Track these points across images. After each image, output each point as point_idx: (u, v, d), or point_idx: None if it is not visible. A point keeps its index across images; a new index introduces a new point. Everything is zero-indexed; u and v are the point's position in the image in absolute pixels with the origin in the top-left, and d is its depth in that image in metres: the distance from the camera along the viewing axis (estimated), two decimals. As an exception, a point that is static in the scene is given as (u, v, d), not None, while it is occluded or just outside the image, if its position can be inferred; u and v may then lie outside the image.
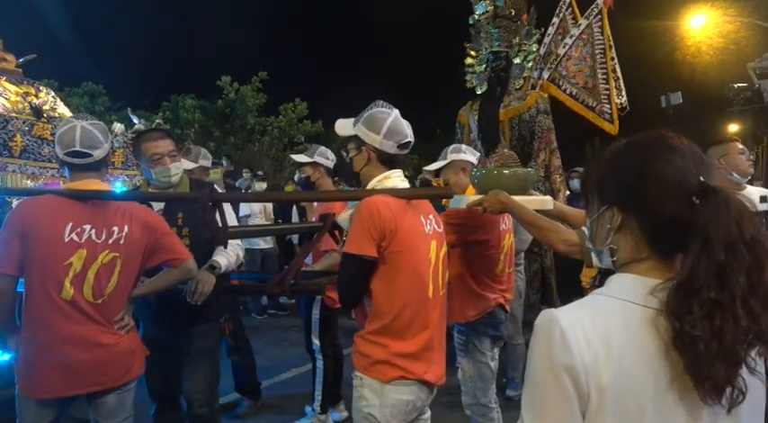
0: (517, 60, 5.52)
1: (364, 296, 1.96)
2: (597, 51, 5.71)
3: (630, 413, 0.86)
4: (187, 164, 3.51)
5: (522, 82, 5.63)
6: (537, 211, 2.27)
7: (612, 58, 5.67)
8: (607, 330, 0.87)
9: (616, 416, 0.85)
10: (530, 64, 5.68)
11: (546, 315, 0.91)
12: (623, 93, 5.68)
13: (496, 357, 2.95)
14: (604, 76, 5.63)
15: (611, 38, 5.67)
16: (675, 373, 0.85)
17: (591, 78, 5.68)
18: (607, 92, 5.57)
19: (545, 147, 5.34)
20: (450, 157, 3.03)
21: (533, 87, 5.78)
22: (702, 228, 0.85)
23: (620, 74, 5.72)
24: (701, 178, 0.90)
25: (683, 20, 14.69)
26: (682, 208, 0.88)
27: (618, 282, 0.95)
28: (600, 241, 1.00)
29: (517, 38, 5.52)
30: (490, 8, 5.36)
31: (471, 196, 2.40)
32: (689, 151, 0.93)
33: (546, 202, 2.42)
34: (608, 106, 5.55)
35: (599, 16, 5.76)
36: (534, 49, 5.63)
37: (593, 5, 5.82)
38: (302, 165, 3.89)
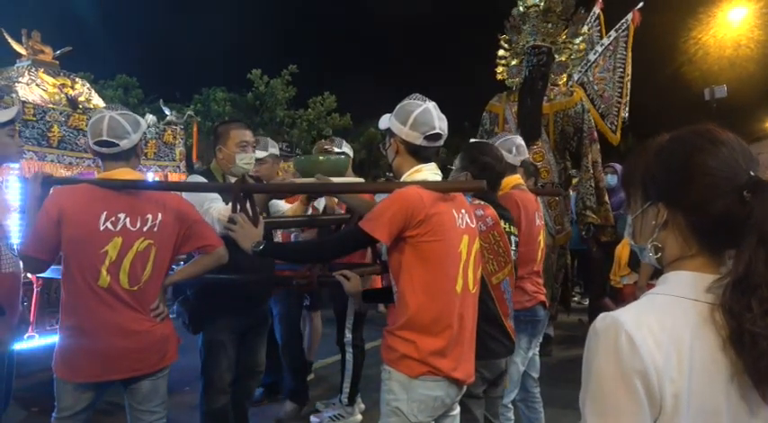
0: (563, 58, 5.48)
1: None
2: (618, 65, 6.16)
3: (708, 415, 0.84)
4: (259, 153, 3.43)
5: (564, 78, 5.61)
6: None
7: (628, 75, 6.17)
8: (676, 331, 0.85)
9: (692, 419, 0.83)
10: (574, 62, 5.66)
11: (607, 319, 0.88)
12: (627, 108, 6.17)
13: (528, 360, 2.91)
14: (619, 91, 6.10)
15: (631, 56, 6.18)
16: (735, 370, 0.84)
17: (609, 88, 6.12)
18: (618, 105, 6.07)
19: (590, 143, 5.35)
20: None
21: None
22: (758, 223, 0.83)
23: (628, 91, 6.18)
24: (751, 172, 0.87)
25: (723, 12, 14.25)
26: (733, 203, 0.86)
27: (675, 279, 0.92)
28: (644, 238, 0.98)
29: (563, 35, 5.46)
30: (542, 2, 5.29)
31: None
32: (737, 145, 0.90)
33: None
34: (615, 118, 6.04)
35: (626, 32, 6.19)
36: (580, 48, 5.59)
37: (623, 20, 6.23)
38: None
